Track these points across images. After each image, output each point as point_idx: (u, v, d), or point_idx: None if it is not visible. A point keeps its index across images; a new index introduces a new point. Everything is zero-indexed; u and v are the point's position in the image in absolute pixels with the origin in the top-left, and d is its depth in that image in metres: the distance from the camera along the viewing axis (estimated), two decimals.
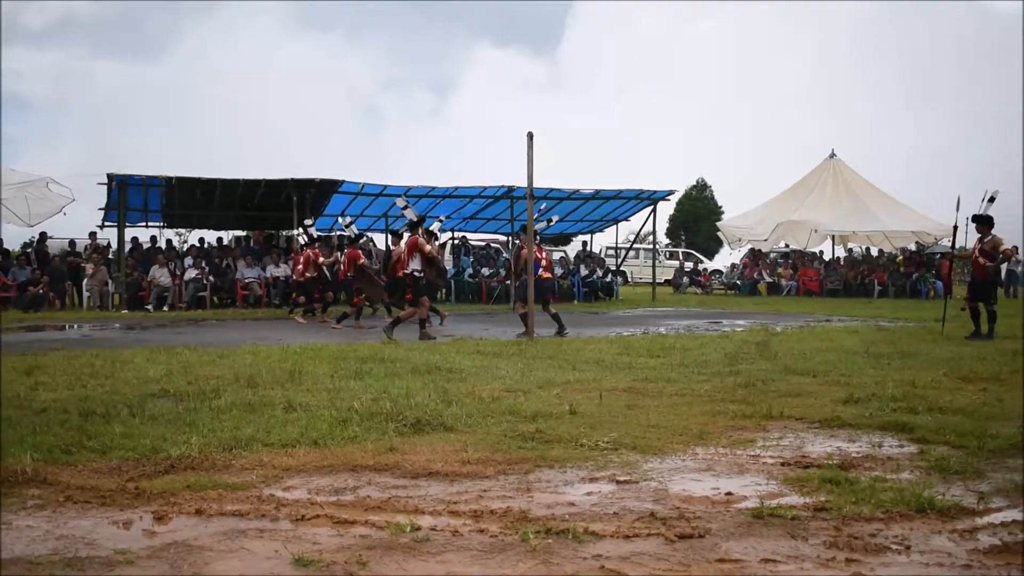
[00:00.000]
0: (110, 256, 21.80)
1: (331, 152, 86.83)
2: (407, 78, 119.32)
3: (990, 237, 12.49)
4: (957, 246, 13.57)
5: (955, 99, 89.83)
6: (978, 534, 3.64)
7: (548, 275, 13.68)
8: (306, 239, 17.32)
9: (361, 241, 16.53)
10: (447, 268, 17.57)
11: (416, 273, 12.52)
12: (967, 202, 13.05)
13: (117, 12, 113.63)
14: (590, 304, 23.71)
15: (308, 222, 17.87)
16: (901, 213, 30.48)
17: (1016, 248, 29.34)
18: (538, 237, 13.70)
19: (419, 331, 12.35)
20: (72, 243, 23.07)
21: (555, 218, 17.66)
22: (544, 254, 13.59)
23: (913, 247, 32.55)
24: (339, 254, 16.79)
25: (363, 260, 15.94)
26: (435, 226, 15.81)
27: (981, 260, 12.48)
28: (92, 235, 22.83)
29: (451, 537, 3.54)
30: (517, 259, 13.84)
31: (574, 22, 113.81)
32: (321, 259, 16.81)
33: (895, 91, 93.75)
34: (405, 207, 13.40)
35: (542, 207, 18.81)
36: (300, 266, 17.01)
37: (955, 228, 13.40)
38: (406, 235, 13.44)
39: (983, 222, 12.58)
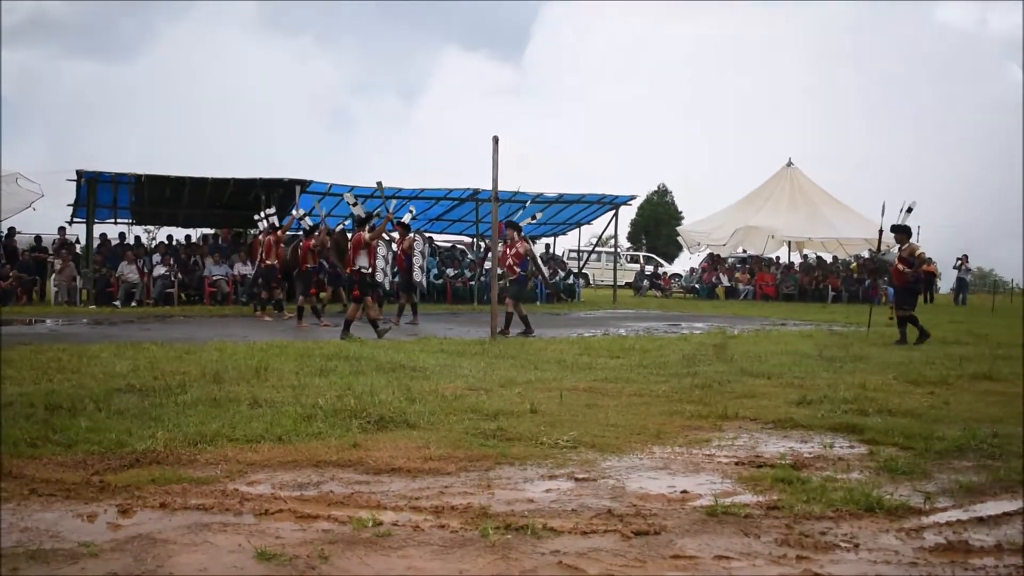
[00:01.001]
0: (78, 252, 21.54)
1: (301, 153, 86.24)
2: (376, 81, 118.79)
3: (907, 245, 12.88)
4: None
5: (911, 109, 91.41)
6: (924, 533, 3.74)
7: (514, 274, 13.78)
8: (267, 225, 17.09)
9: (316, 234, 16.23)
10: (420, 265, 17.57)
11: (363, 270, 12.43)
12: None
13: (89, 10, 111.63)
14: (552, 305, 23.81)
15: (270, 211, 17.63)
16: (855, 221, 31.04)
17: (967, 256, 30.18)
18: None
19: (375, 332, 12.22)
20: (38, 238, 22.74)
21: (538, 214, 17.79)
22: (513, 251, 13.70)
23: (866, 254, 33.18)
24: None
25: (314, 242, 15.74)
26: (406, 217, 15.77)
27: (900, 267, 12.83)
28: (61, 230, 22.56)
29: (412, 532, 3.58)
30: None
31: (541, 28, 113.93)
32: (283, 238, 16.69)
33: (851, 101, 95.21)
34: (354, 204, 13.32)
35: (527, 203, 18.97)
36: (263, 252, 16.77)
37: (880, 232, 13.92)
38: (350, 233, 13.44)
39: (901, 231, 12.95)
